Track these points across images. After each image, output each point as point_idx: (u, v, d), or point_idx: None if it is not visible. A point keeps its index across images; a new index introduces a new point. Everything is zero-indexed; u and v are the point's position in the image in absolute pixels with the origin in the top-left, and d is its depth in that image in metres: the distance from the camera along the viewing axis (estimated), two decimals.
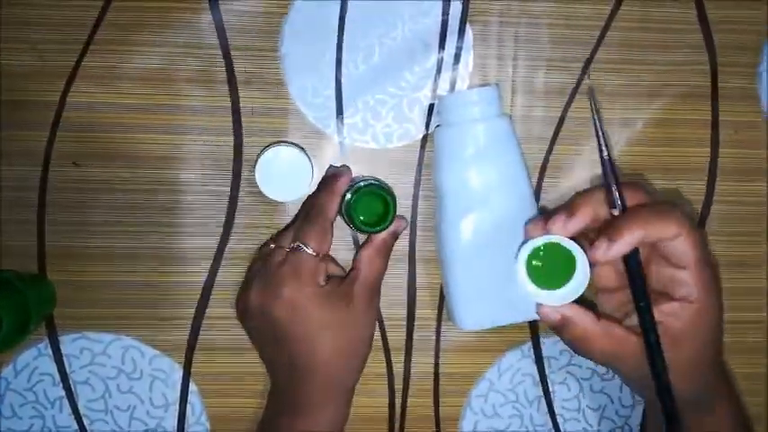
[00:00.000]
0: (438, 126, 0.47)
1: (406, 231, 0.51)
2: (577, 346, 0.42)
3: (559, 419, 0.53)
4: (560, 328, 0.42)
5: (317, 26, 0.49)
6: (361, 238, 0.51)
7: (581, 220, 0.41)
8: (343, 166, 0.49)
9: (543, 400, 0.53)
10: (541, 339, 0.52)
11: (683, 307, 0.40)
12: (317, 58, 0.49)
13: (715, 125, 0.51)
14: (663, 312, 0.40)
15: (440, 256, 0.47)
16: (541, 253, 0.41)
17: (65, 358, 0.50)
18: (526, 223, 0.44)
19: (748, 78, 0.51)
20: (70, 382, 0.50)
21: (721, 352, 0.45)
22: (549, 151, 0.51)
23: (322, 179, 0.48)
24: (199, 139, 0.49)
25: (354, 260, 0.48)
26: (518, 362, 0.52)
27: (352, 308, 0.45)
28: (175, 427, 0.51)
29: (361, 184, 0.47)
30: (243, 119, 0.49)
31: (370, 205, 0.47)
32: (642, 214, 0.40)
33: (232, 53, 0.49)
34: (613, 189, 0.41)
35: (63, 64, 0.48)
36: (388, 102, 0.50)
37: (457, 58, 0.50)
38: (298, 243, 0.45)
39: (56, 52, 0.48)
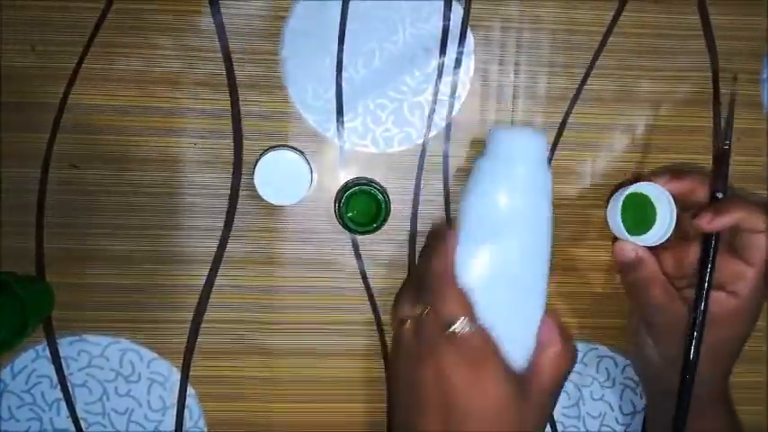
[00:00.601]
0: (483, 155, 0.44)
1: (406, 236, 0.50)
2: (638, 286, 0.46)
3: (559, 427, 0.53)
4: (630, 266, 0.46)
5: (317, 29, 0.49)
6: (361, 240, 0.50)
7: (682, 185, 0.46)
8: (444, 222, 0.49)
9: None
10: None
11: (728, 298, 0.43)
12: (317, 61, 0.49)
13: (717, 132, 0.51)
14: (709, 297, 0.44)
15: None
16: (626, 201, 0.46)
17: (63, 360, 0.50)
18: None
19: (751, 85, 0.51)
20: (68, 384, 0.50)
21: (733, 363, 0.46)
22: (551, 157, 0.51)
23: (427, 244, 0.46)
24: (199, 141, 0.49)
25: (539, 352, 0.41)
26: None
27: (526, 407, 0.39)
28: (173, 431, 0.51)
29: (353, 184, 0.47)
30: (243, 122, 0.49)
31: (362, 205, 0.48)
32: (745, 201, 0.43)
33: (233, 56, 0.49)
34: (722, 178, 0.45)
35: (63, 66, 0.48)
36: (388, 106, 0.50)
37: (458, 62, 0.50)
38: (453, 329, 0.39)
39: (56, 54, 0.48)
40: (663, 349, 0.46)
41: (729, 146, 0.45)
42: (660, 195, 0.46)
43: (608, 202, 0.49)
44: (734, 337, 0.45)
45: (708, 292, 0.44)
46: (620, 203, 0.46)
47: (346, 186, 0.48)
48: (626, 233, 0.46)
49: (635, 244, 0.46)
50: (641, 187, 0.46)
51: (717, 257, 0.44)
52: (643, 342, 0.48)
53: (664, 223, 0.46)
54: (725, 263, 0.44)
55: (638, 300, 0.47)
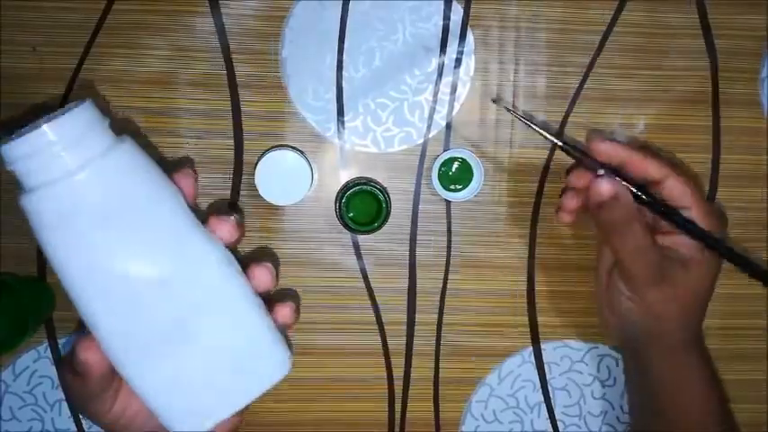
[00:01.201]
0: (21, 195, 0.32)
1: (407, 236, 0.51)
2: (616, 225, 0.43)
3: (560, 425, 0.53)
4: (607, 204, 0.42)
5: (317, 29, 0.49)
6: (362, 240, 0.50)
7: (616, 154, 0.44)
8: None
9: (544, 406, 0.53)
10: (542, 345, 0.52)
11: (685, 241, 0.43)
12: (317, 61, 0.49)
13: (716, 131, 0.51)
14: (674, 241, 0.44)
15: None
16: (449, 164, 0.49)
17: None
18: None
19: (750, 84, 0.51)
20: None
21: (703, 312, 0.46)
22: (550, 156, 0.51)
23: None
24: (199, 142, 0.49)
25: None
26: (518, 367, 0.52)
27: None
28: None
29: (354, 184, 0.47)
30: (243, 122, 0.49)
31: (362, 205, 0.48)
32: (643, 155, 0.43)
33: (233, 56, 0.49)
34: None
35: (64, 67, 0.48)
36: (388, 105, 0.50)
37: (458, 62, 0.50)
38: None
39: (57, 55, 0.48)
40: (641, 299, 0.44)
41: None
42: (467, 155, 0.48)
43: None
44: (704, 280, 0.44)
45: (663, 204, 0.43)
46: (436, 171, 0.48)
47: (347, 186, 0.48)
48: (447, 195, 0.48)
49: (612, 180, 0.43)
50: (449, 155, 0.48)
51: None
52: (618, 297, 0.45)
53: (476, 179, 0.48)
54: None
55: (618, 242, 0.43)
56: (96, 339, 0.33)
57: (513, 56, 0.50)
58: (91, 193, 0.31)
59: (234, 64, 0.49)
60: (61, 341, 0.50)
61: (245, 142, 0.49)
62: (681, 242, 0.43)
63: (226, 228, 0.35)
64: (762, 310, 0.52)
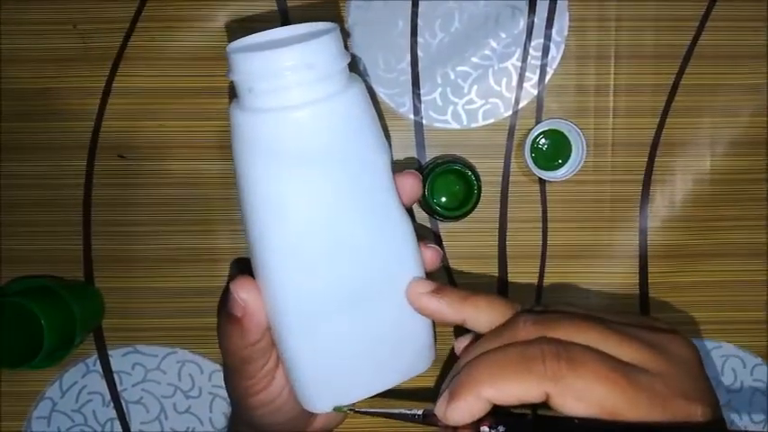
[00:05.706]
0: (236, 107, 0.30)
1: (495, 223, 0.46)
2: None
3: None
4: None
5: None
6: (443, 229, 0.47)
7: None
8: None
9: None
10: None
11: None
12: (388, 26, 0.46)
13: None
14: None
15: (270, 317, 0.32)
16: (542, 139, 0.45)
17: (115, 375, 0.48)
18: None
19: None
20: (122, 401, 0.48)
21: None
22: (661, 126, 0.46)
23: None
24: None
25: None
26: None
27: None
28: None
29: (435, 164, 0.44)
30: None
31: (446, 188, 0.45)
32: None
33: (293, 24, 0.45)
34: None
35: (108, 45, 0.46)
36: (471, 74, 0.46)
37: (550, 20, 0.46)
38: None
39: (100, 32, 0.45)
40: None
41: None
42: (563, 126, 0.45)
43: None
44: None
45: None
46: (529, 148, 0.45)
47: (430, 166, 0.44)
48: (543, 175, 0.45)
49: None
50: (543, 127, 0.45)
51: None
52: None
53: (577, 152, 0.44)
54: None
55: None
56: (257, 285, 0.32)
57: (614, 10, 0.46)
58: (310, 132, 0.29)
59: None
60: (112, 353, 0.47)
61: None
62: None
63: (411, 180, 0.32)
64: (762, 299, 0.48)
